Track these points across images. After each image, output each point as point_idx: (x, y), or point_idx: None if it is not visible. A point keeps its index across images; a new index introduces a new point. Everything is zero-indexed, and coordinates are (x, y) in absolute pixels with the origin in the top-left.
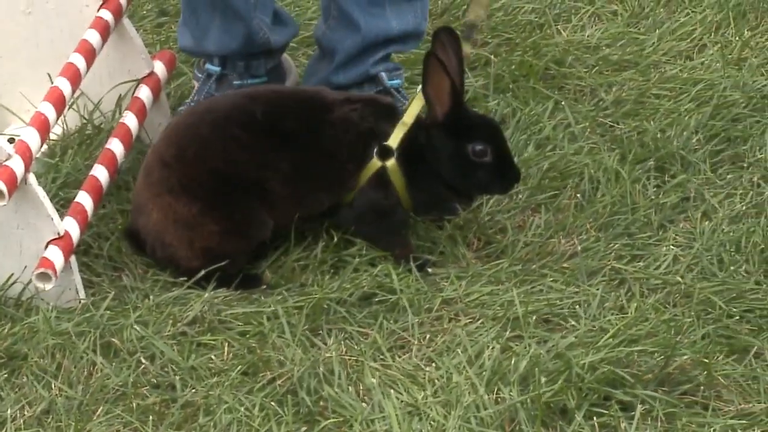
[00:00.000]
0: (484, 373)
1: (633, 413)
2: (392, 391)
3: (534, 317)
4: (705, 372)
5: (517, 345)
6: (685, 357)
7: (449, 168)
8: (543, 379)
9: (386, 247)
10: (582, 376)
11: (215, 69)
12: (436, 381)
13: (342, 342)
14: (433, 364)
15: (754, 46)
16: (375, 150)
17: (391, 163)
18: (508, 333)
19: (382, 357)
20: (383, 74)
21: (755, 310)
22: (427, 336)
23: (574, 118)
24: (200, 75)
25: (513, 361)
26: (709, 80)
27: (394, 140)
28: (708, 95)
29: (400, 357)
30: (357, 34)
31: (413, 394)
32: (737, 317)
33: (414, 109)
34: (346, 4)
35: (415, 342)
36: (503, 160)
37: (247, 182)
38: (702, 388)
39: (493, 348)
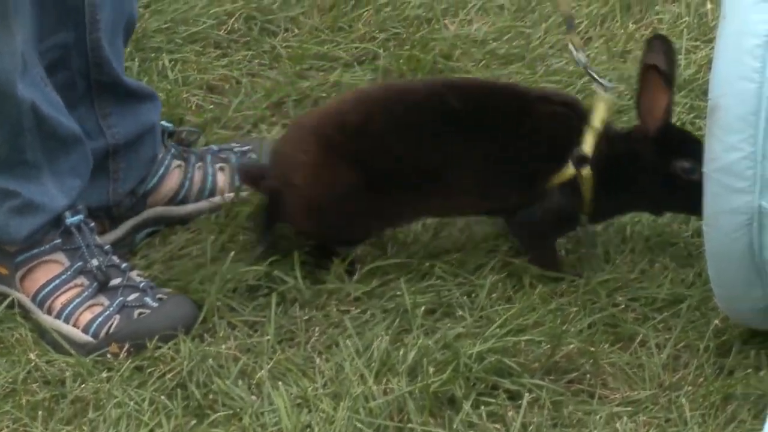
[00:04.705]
0: (373, 364)
1: (520, 402)
2: (282, 383)
3: (422, 308)
4: (591, 360)
5: (405, 336)
6: (572, 346)
7: (654, 184)
8: (431, 370)
9: (539, 256)
10: (470, 365)
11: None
12: (325, 373)
13: (232, 335)
14: (323, 356)
15: (639, 38)
16: (571, 156)
17: (586, 171)
18: (396, 324)
19: (272, 349)
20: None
21: (640, 299)
22: (317, 329)
23: None
24: None
25: (401, 352)
26: (595, 73)
27: (587, 147)
28: (593, 88)
29: (290, 349)
30: (155, 103)
31: (303, 386)
32: (623, 306)
33: (601, 112)
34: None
35: (305, 335)
36: None
37: (422, 171)
38: (588, 376)
39: (381, 339)
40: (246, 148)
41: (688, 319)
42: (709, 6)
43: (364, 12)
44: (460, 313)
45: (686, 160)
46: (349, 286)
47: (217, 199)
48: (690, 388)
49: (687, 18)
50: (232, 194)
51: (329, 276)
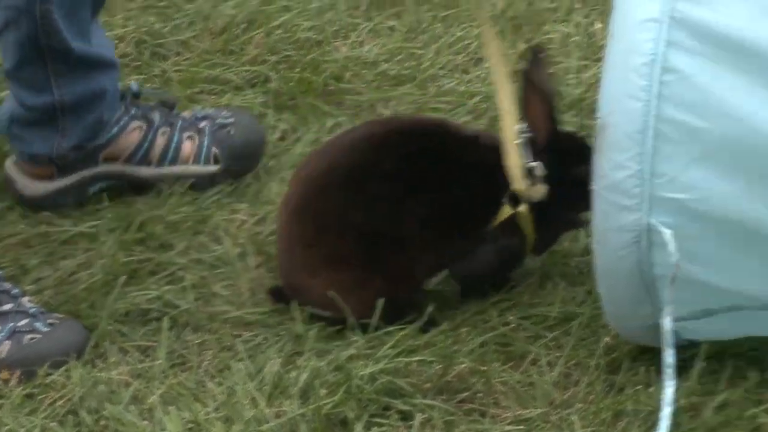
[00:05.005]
0: (265, 387)
1: (412, 422)
2: (173, 408)
3: (315, 330)
4: (483, 379)
5: (297, 359)
6: (464, 365)
7: (564, 193)
8: (323, 392)
9: (477, 292)
10: (362, 387)
11: None
12: (217, 396)
13: (123, 360)
14: (215, 380)
15: None
16: (505, 196)
17: (522, 208)
18: (289, 347)
19: (164, 374)
20: None
21: (531, 317)
22: (209, 352)
23: None
24: None
25: (294, 375)
26: (486, 93)
27: (518, 183)
28: (484, 108)
29: (182, 374)
30: (114, 69)
31: (195, 410)
32: (514, 325)
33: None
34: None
35: (197, 359)
36: None
37: (392, 234)
38: (480, 395)
39: (274, 362)
40: (229, 121)
41: (579, 337)
42: (598, 26)
43: (255, 35)
44: (352, 336)
45: (579, 165)
46: (241, 310)
47: (177, 168)
48: (581, 405)
49: (576, 37)
50: (195, 166)
51: (220, 303)
